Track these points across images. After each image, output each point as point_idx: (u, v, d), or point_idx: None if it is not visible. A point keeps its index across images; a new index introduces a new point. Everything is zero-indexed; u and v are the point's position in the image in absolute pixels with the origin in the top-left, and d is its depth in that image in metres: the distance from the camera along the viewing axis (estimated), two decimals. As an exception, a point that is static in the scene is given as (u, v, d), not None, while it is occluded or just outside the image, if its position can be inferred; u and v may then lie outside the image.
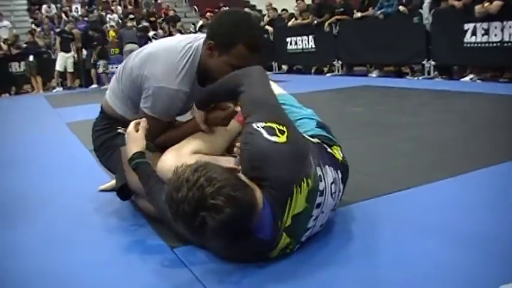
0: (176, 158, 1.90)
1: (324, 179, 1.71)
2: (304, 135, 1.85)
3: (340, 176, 1.86)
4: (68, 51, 11.64)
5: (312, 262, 1.66)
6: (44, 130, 5.56)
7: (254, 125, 1.64)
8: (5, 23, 12.52)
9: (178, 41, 2.11)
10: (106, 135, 2.31)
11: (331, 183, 1.76)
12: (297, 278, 1.57)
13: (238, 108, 1.96)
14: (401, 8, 7.99)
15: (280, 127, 1.63)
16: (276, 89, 2.06)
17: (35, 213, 2.45)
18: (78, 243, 2.03)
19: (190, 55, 2.03)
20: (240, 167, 1.63)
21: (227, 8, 7.67)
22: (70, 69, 11.72)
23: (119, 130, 2.26)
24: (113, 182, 2.66)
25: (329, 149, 1.89)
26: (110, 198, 2.54)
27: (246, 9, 11.21)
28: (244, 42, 1.92)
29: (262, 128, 1.63)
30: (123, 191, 2.21)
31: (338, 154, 1.93)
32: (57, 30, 12.44)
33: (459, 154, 2.93)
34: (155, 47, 2.13)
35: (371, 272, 1.58)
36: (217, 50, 1.97)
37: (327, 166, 1.76)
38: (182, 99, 2.04)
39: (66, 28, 12.12)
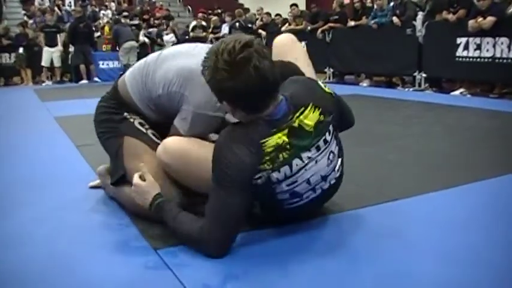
0: (178, 139, 2.03)
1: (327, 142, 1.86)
2: None
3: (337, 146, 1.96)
4: (52, 45, 11.37)
5: (296, 268, 1.65)
6: (32, 124, 5.47)
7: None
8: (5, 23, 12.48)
9: None
10: (111, 115, 2.28)
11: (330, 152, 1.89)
12: (280, 284, 1.56)
13: None
14: (394, 19, 8.03)
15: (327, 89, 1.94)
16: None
17: (16, 209, 2.40)
18: (61, 241, 1.99)
19: None
20: None
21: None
22: (57, 63, 11.47)
23: (125, 114, 2.24)
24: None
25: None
26: (96, 195, 2.52)
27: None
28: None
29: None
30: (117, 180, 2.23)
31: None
32: (41, 24, 12.16)
33: (446, 167, 2.94)
34: (193, 63, 1.97)
35: (349, 282, 1.57)
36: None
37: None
38: (218, 123, 2.09)
39: (48, 22, 11.84)
